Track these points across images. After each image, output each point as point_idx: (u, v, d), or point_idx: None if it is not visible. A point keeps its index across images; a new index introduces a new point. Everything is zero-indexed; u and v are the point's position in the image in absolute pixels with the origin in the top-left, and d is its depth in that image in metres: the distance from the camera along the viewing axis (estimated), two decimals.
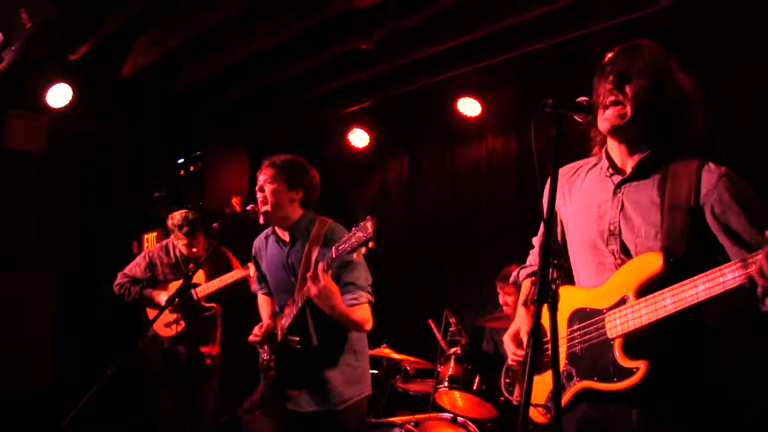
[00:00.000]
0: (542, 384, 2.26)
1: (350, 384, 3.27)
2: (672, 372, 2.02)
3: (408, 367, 4.87)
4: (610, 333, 2.08)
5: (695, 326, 2.08)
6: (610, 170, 2.23)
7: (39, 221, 6.61)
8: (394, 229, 7.04)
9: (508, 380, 4.01)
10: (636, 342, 2.04)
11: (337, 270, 3.20)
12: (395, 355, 4.77)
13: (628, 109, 2.12)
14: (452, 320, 4.65)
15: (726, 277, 1.83)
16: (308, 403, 3.27)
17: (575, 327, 2.21)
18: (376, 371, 5.01)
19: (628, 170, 2.19)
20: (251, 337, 3.39)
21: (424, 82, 6.15)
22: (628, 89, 2.12)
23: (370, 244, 2.68)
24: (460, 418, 4.38)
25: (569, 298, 2.26)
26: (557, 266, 1.80)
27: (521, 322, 2.38)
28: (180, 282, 5.12)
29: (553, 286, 1.79)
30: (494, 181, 6.30)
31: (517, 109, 5.96)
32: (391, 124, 7.07)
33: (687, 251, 2.02)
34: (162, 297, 5.16)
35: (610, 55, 2.24)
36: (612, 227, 2.17)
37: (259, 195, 3.37)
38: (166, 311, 5.10)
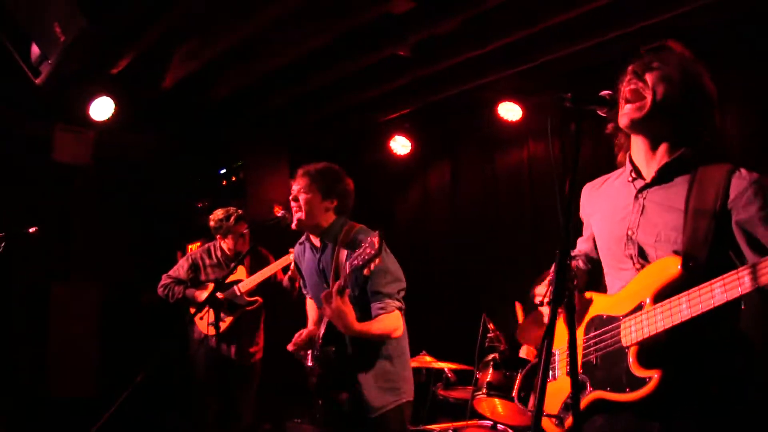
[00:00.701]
0: (555, 393, 2.19)
1: (385, 391, 3.22)
2: (691, 383, 1.93)
3: (449, 374, 4.80)
4: (625, 341, 1.99)
5: (717, 333, 1.97)
6: (633, 174, 2.16)
7: (85, 232, 6.77)
8: (437, 236, 7.02)
9: (523, 393, 3.93)
10: (651, 350, 1.95)
11: (362, 280, 3.16)
12: (434, 363, 4.71)
13: (648, 100, 2.03)
14: (490, 326, 4.57)
15: (743, 281, 1.72)
16: (347, 409, 3.23)
17: (591, 334, 2.14)
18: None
19: (652, 174, 2.10)
20: (290, 346, 3.37)
21: (463, 87, 6.11)
22: (648, 77, 2.05)
23: (377, 260, 2.67)
24: (500, 426, 4.28)
25: (588, 305, 2.20)
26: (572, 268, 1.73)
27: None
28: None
29: (570, 286, 1.72)
30: (536, 187, 6.20)
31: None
32: (432, 130, 7.04)
33: (708, 257, 1.93)
34: (204, 296, 5.22)
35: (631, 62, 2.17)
36: (630, 232, 2.10)
37: (293, 204, 3.36)
38: (210, 311, 5.17)
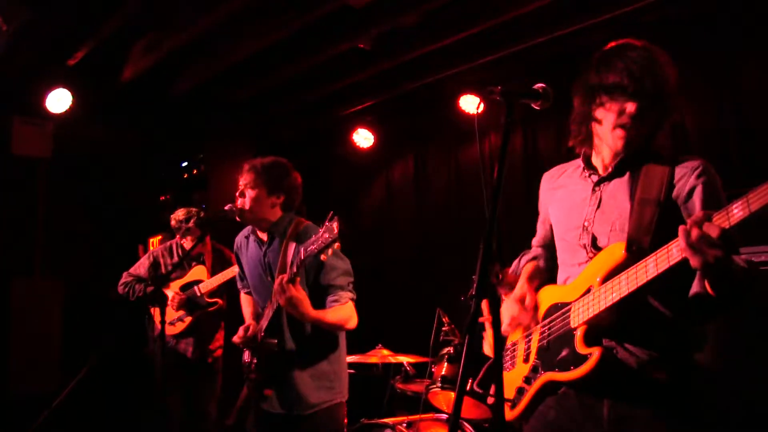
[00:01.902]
0: (511, 380, 2.30)
1: (320, 389, 3.22)
2: (633, 362, 2.02)
3: (408, 368, 4.80)
4: (573, 322, 2.10)
5: (657, 314, 2.06)
6: (587, 171, 2.27)
7: (46, 227, 6.67)
8: (401, 228, 7.02)
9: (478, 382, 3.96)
10: (597, 330, 2.05)
11: (314, 273, 3.18)
12: (391, 357, 4.71)
13: (632, 129, 2.11)
14: (445, 319, 4.58)
15: (672, 253, 1.82)
16: (279, 405, 3.23)
17: (545, 322, 2.25)
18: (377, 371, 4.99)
19: (609, 169, 2.20)
20: (235, 338, 3.37)
21: (424, 80, 6.12)
22: (632, 116, 2.09)
23: (336, 245, 2.65)
24: None
25: (547, 296, 2.31)
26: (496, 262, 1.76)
27: (519, 292, 2.37)
28: (183, 280, 5.19)
29: (494, 281, 1.73)
30: (485, 172, 6.21)
31: (521, 105, 5.85)
32: (395, 123, 7.04)
33: (651, 242, 2.00)
34: (170, 293, 5.19)
35: (597, 56, 2.23)
36: (587, 223, 2.20)
37: (239, 200, 3.35)
38: (171, 309, 5.17)
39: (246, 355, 3.40)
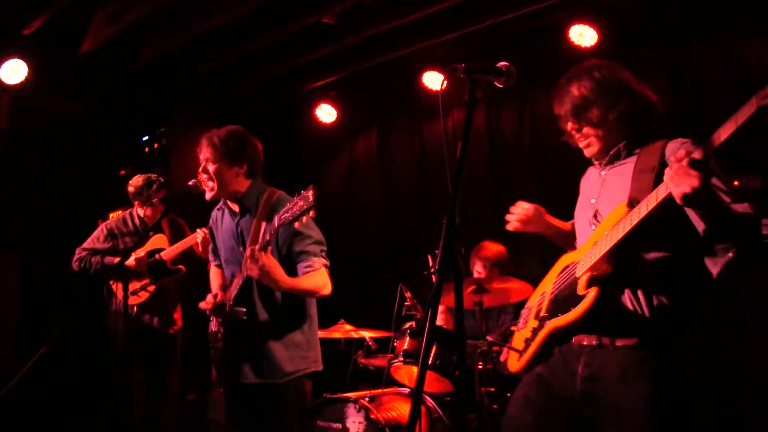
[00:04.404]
0: (520, 335, 2.58)
1: (294, 359, 3.23)
2: (630, 305, 2.20)
3: (370, 343, 4.85)
4: (578, 272, 2.30)
5: (653, 264, 2.24)
6: (597, 162, 2.54)
7: (2, 200, 6.52)
8: (364, 204, 7.03)
9: (438, 362, 4.09)
10: (598, 276, 2.22)
11: (288, 241, 3.18)
12: (354, 333, 4.75)
13: (595, 143, 2.46)
14: (407, 294, 4.63)
15: (659, 191, 2.01)
16: (251, 375, 3.23)
17: (557, 280, 2.48)
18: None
19: (606, 159, 2.48)
20: (202, 304, 3.34)
21: (389, 56, 6.09)
22: (585, 131, 2.45)
23: (311, 213, 2.66)
24: None
25: (562, 262, 2.56)
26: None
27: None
28: (141, 249, 5.12)
29: (457, 255, 1.78)
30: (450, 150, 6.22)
31: (484, 83, 5.88)
32: (358, 98, 7.01)
33: None
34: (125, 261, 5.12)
35: (563, 81, 2.50)
36: (593, 200, 2.46)
37: (203, 176, 3.33)
38: (132, 279, 5.08)
39: (213, 325, 3.40)
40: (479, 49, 5.82)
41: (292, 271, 3.16)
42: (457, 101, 6.10)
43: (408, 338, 4.31)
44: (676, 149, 2.16)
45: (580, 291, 2.23)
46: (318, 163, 7.53)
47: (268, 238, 2.92)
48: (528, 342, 2.46)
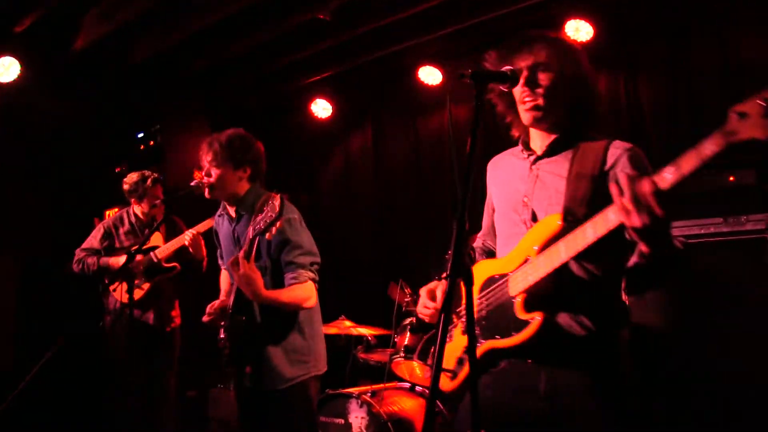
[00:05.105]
0: (451, 352, 2.33)
1: (295, 363, 3.22)
2: (573, 329, 2.10)
3: (370, 338, 4.88)
4: (512, 291, 2.16)
5: (611, 293, 2.18)
6: (526, 152, 2.37)
7: None
8: (360, 199, 7.04)
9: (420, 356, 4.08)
10: (536, 297, 2.11)
11: (279, 248, 3.17)
12: (354, 329, 4.77)
13: (541, 102, 2.22)
14: (407, 290, 4.65)
15: (609, 217, 1.87)
16: (255, 381, 3.23)
17: (482, 293, 2.30)
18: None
19: (543, 148, 2.31)
20: (205, 318, 3.35)
21: (384, 51, 6.09)
22: (539, 89, 2.22)
23: (278, 223, 2.67)
24: (418, 388, 4.40)
25: (483, 270, 2.35)
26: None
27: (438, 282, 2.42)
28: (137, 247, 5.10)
29: (467, 260, 1.78)
30: (457, 151, 6.24)
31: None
32: (354, 94, 7.01)
33: (585, 213, 2.06)
34: (120, 261, 5.12)
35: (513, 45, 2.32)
36: (526, 198, 2.28)
37: (205, 179, 3.32)
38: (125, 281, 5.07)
39: (221, 333, 3.40)
40: (474, 45, 5.83)
41: (280, 277, 3.18)
42: (453, 97, 6.13)
43: (408, 334, 4.35)
44: (619, 157, 2.14)
45: (521, 314, 2.09)
46: (313, 158, 7.53)
47: (247, 248, 2.93)
48: (461, 362, 2.29)
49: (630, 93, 5.14)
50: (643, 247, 1.85)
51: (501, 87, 2.12)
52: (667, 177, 1.71)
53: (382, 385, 4.36)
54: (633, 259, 2.00)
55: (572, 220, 2.07)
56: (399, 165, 6.77)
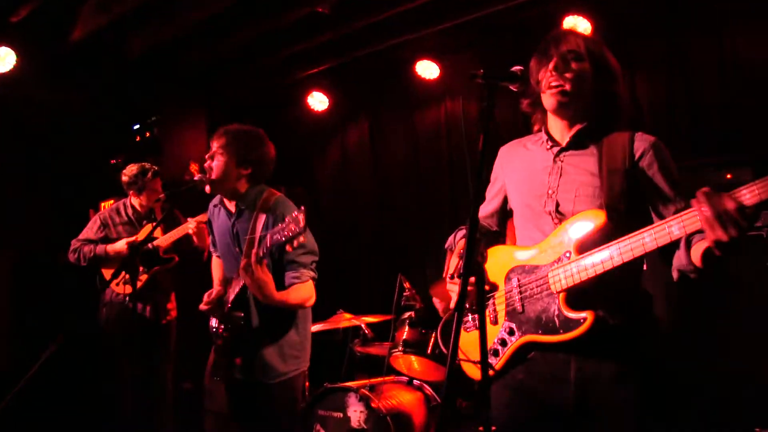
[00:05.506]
0: (476, 342, 2.30)
1: (287, 360, 3.27)
2: (615, 325, 2.15)
3: (366, 331, 4.89)
4: (554, 287, 2.18)
5: (636, 284, 2.28)
6: (549, 143, 2.40)
7: None
8: (358, 192, 7.05)
9: (437, 351, 4.09)
10: (579, 295, 2.14)
11: (281, 249, 3.17)
12: (352, 321, 4.78)
13: (568, 87, 2.28)
14: (406, 285, 4.67)
15: (672, 229, 1.94)
16: (245, 373, 3.26)
17: (514, 284, 2.31)
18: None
19: (567, 139, 2.35)
20: (202, 306, 3.37)
21: (382, 45, 6.09)
22: (567, 74, 2.29)
23: (301, 238, 2.68)
24: (416, 381, 4.43)
25: (505, 257, 2.38)
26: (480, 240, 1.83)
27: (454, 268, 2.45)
28: (135, 238, 5.11)
29: (480, 259, 1.80)
30: (454, 145, 6.28)
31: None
32: (351, 87, 7.00)
33: (626, 208, 2.18)
34: (117, 246, 5.11)
35: (546, 39, 2.39)
36: (551, 191, 2.31)
37: (208, 162, 3.32)
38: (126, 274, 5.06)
39: (213, 321, 3.42)
40: (472, 39, 5.85)
41: (281, 274, 3.21)
42: (450, 90, 6.16)
43: (407, 328, 4.37)
44: (646, 150, 2.22)
45: (567, 312, 2.12)
46: (311, 150, 7.53)
47: (261, 254, 2.94)
48: (495, 353, 2.32)
49: (628, 90, 5.16)
50: (716, 251, 1.90)
51: (511, 87, 2.13)
52: (746, 197, 1.80)
53: (380, 379, 4.38)
54: (681, 261, 2.07)
55: (615, 217, 2.13)
56: (396, 158, 6.78)
